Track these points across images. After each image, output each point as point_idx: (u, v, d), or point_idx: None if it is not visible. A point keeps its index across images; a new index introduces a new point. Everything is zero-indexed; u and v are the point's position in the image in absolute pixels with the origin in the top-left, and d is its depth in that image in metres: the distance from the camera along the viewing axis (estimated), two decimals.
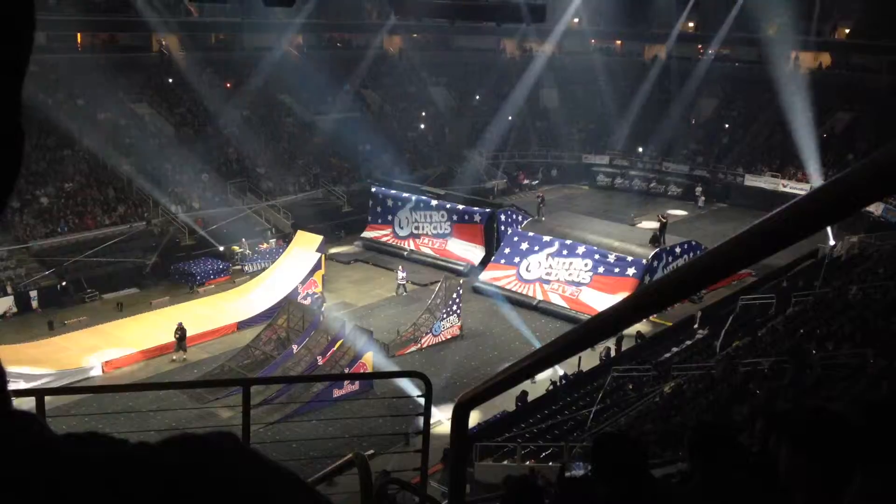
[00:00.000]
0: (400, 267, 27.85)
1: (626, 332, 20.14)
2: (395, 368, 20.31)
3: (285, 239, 29.60)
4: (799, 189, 35.63)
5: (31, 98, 29.49)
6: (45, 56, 31.51)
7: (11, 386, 0.62)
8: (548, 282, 26.47)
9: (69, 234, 27.11)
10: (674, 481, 5.31)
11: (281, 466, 0.57)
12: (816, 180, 34.60)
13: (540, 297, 26.18)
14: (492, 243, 29.36)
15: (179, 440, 0.54)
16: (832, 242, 26.58)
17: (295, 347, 21.04)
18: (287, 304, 23.10)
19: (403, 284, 26.91)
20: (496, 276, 27.40)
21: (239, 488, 0.52)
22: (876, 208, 30.68)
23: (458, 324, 23.78)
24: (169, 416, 16.86)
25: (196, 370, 20.72)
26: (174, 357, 21.45)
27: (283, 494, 0.55)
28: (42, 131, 29.86)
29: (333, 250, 29.96)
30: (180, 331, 21.48)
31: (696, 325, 22.63)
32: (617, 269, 25.87)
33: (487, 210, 30.18)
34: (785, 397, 14.52)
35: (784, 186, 37.45)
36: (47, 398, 3.65)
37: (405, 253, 30.83)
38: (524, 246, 27.82)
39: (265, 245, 29.75)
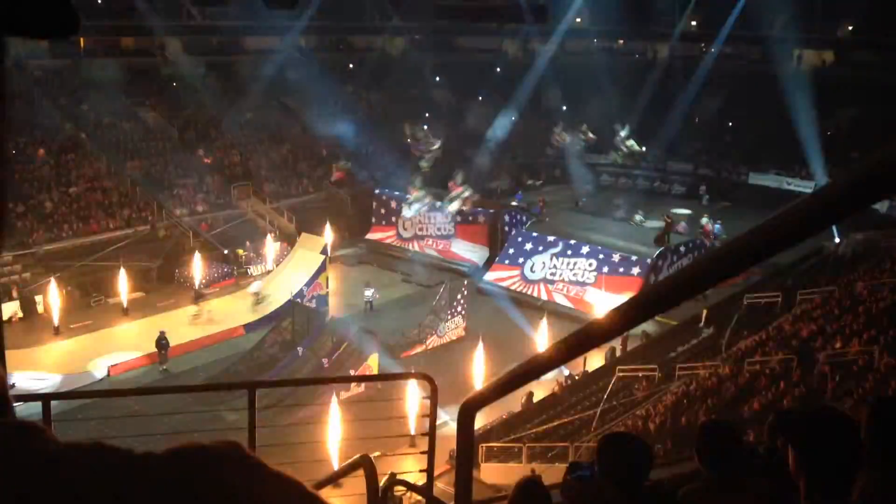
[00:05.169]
0: (368, 283, 26.50)
1: (631, 331, 20.08)
2: (400, 370, 20.29)
3: (290, 242, 29.60)
4: (804, 187, 35.53)
5: (36, 103, 29.60)
6: (48, 61, 31.58)
7: (16, 391, 0.62)
8: (552, 282, 26.43)
9: (74, 239, 27.17)
10: (680, 481, 5.29)
11: (284, 475, 0.56)
12: (821, 178, 34.48)
13: (544, 297, 26.15)
14: (496, 244, 29.34)
15: (184, 451, 0.53)
16: (837, 240, 26.47)
17: (300, 350, 21.07)
18: (292, 307, 23.13)
19: (371, 302, 25.79)
20: (501, 277, 27.37)
21: (240, 499, 0.52)
22: (881, 205, 30.52)
23: (463, 325, 23.76)
24: (175, 419, 16.84)
25: (202, 374, 20.74)
26: (161, 368, 21.10)
27: None
28: (46, 136, 29.97)
29: (337, 252, 29.95)
30: (163, 340, 21.13)
31: (701, 324, 22.56)
32: (622, 269, 25.82)
33: (491, 211, 30.13)
34: (791, 396, 14.49)
35: (789, 184, 37.33)
36: (53, 402, 3.65)
37: (409, 254, 30.82)
38: (528, 246, 27.78)
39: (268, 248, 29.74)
